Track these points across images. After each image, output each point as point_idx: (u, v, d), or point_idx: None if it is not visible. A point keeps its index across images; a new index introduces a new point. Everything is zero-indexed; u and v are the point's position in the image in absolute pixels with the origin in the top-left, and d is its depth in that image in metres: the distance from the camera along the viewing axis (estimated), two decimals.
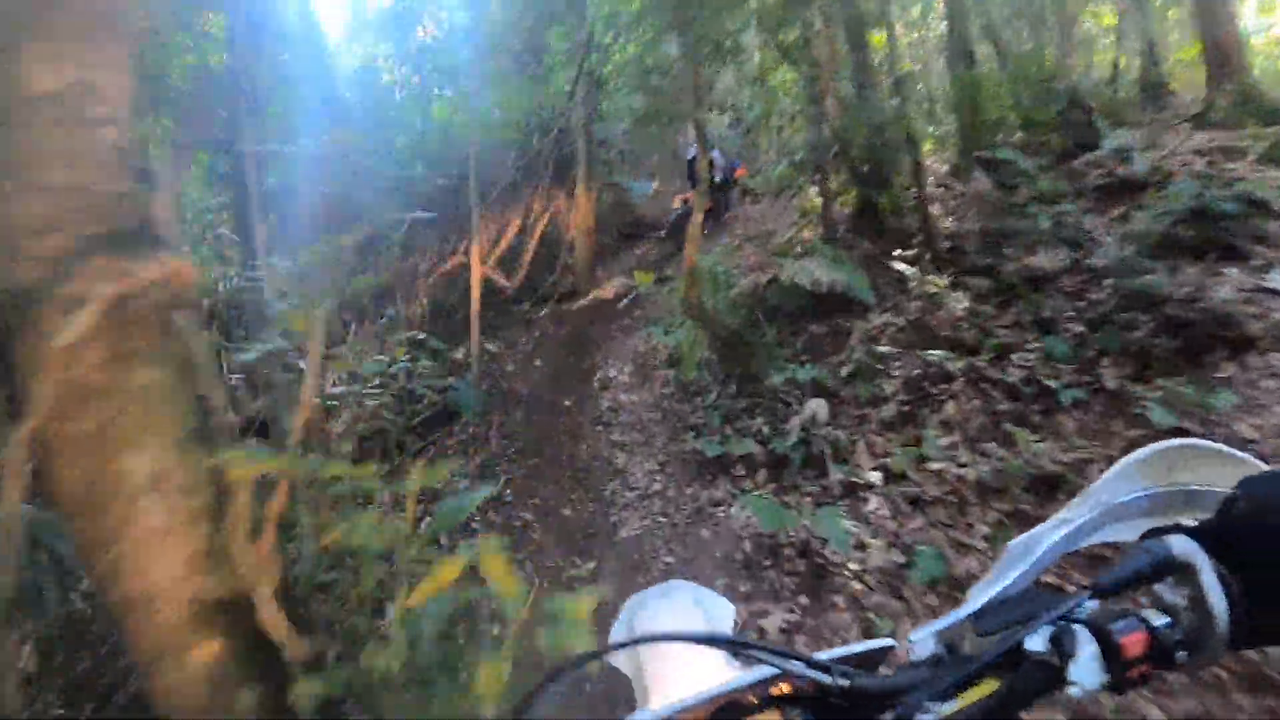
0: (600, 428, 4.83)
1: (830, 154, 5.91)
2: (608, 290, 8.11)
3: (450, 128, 7.35)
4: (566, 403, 5.43)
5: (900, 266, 4.78)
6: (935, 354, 3.86)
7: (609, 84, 9.25)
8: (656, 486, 3.92)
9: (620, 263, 9.16)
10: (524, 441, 4.79)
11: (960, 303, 4.40)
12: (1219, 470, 0.60)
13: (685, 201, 9.00)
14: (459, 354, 6.93)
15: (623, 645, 0.61)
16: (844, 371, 4.18)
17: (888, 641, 0.58)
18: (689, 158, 9.05)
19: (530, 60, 8.59)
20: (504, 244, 7.77)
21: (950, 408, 3.78)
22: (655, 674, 0.78)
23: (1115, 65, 11.27)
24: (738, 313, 4.49)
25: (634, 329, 6.74)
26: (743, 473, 3.75)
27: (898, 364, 4.11)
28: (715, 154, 9.10)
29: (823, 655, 0.54)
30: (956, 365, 3.88)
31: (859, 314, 4.84)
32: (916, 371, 3.99)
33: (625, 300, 7.16)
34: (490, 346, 6.88)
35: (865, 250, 5.98)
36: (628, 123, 9.00)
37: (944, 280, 4.52)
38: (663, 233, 10.42)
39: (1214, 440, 0.63)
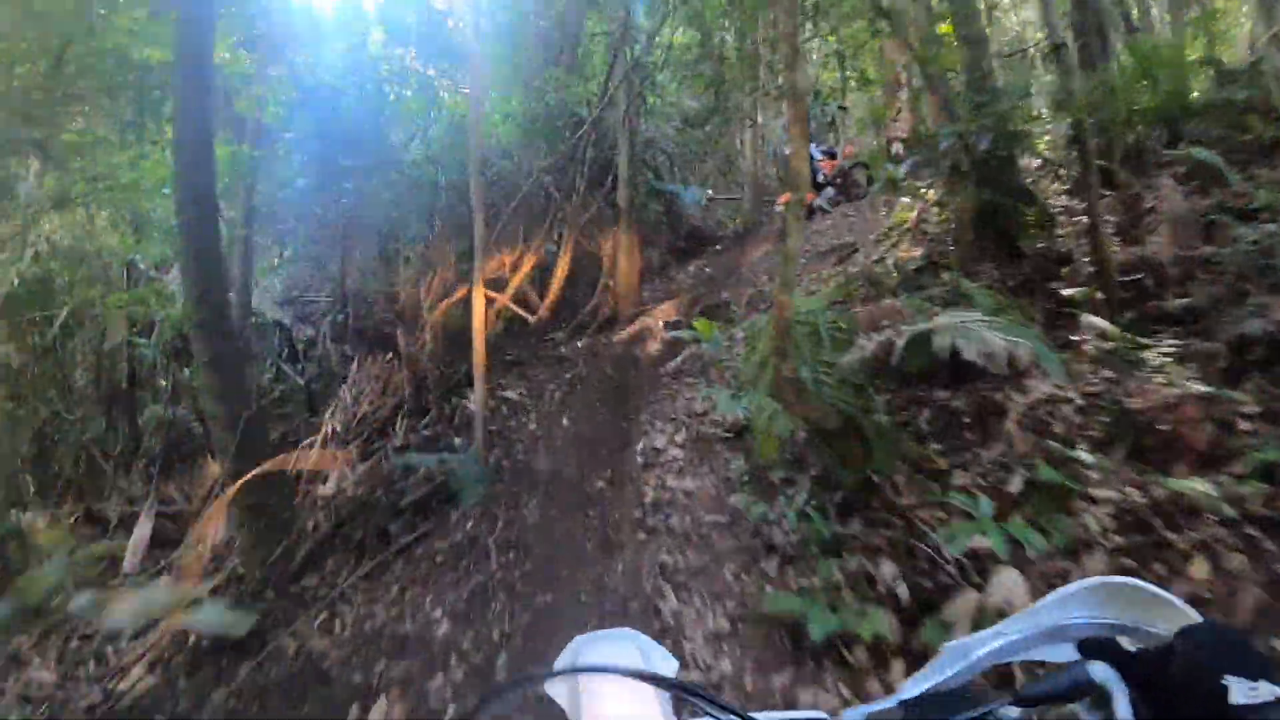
0: (642, 535, 3.51)
1: (954, 150, 4.49)
2: (655, 318, 6.78)
3: (465, 125, 6.13)
4: (599, 485, 4.14)
5: (1088, 319, 3.33)
6: (1183, 484, 2.42)
7: (656, 73, 7.94)
8: (727, 667, 2.59)
9: (669, 283, 7.83)
10: (535, 559, 3.48)
11: (1180, 377, 2.95)
12: (1157, 612, 0.60)
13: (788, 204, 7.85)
14: (471, 401, 5.70)
15: (569, 671, 0.63)
16: (1011, 484, 2.78)
17: (820, 714, 0.62)
18: (788, 153, 7.93)
19: (563, 47, 7.31)
20: (530, 263, 6.51)
21: (1201, 568, 2.35)
22: (593, 713, 0.64)
23: (1251, 49, 9.46)
24: (849, 389, 3.10)
25: (686, 374, 5.41)
26: (865, 662, 2.38)
27: (1097, 478, 2.68)
28: (812, 148, 7.83)
29: (760, 716, 0.57)
30: (1203, 495, 2.44)
31: (1009, 378, 3.41)
32: (1134, 494, 2.56)
33: (678, 359, 5.73)
34: (509, 394, 5.63)
35: (993, 280, 4.55)
36: (703, 96, 7.69)
37: (1168, 346, 3.07)
38: (718, 247, 9.14)
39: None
